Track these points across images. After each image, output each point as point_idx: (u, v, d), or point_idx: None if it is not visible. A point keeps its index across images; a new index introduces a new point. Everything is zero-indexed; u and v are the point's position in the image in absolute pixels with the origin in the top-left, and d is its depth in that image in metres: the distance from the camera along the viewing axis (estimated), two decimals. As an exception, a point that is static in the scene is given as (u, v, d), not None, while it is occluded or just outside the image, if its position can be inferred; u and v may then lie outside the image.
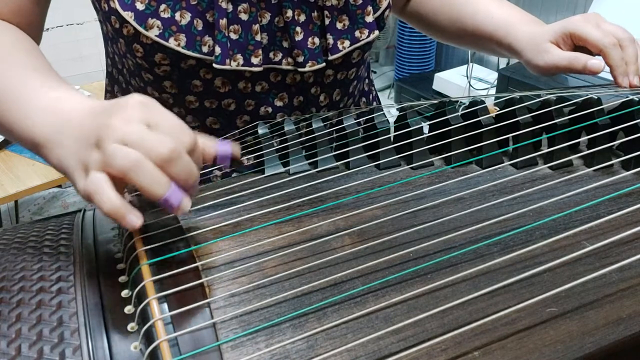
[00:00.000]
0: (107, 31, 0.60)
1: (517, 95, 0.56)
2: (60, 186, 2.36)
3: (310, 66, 0.59)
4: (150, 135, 0.37)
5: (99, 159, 0.37)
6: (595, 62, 0.61)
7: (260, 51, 0.58)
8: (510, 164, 0.51)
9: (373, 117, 0.54)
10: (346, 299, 0.36)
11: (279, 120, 0.55)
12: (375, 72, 3.20)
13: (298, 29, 0.58)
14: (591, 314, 0.36)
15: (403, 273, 0.38)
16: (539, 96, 0.56)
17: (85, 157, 0.39)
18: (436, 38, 0.80)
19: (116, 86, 0.67)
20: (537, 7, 2.46)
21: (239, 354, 0.33)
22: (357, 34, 0.60)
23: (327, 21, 0.59)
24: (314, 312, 0.35)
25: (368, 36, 0.61)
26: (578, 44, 0.63)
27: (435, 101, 0.56)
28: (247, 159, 0.46)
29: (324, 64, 0.60)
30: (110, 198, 0.36)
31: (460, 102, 0.57)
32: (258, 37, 0.57)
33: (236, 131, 0.65)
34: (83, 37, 2.18)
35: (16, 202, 2.15)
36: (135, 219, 0.37)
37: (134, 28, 0.54)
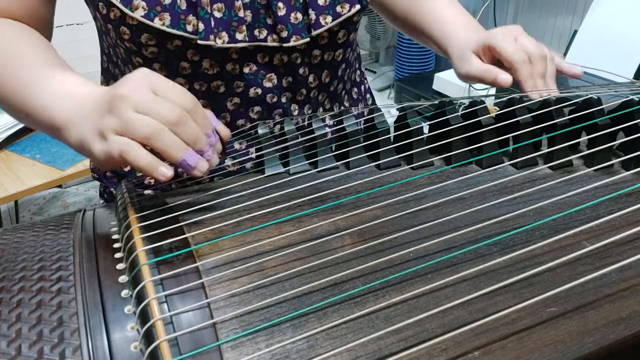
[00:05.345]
0: (100, 25, 0.62)
1: (517, 95, 0.56)
2: (60, 186, 2.36)
3: (294, 41, 0.60)
4: (157, 101, 0.42)
5: (116, 123, 0.42)
6: (504, 76, 0.63)
7: (244, 27, 0.59)
8: (511, 164, 0.51)
9: (373, 117, 0.54)
10: (346, 299, 0.36)
11: (279, 120, 0.54)
12: (375, 72, 3.20)
13: (280, 4, 0.59)
14: (591, 314, 0.36)
15: (403, 273, 0.38)
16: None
17: (100, 124, 0.44)
18: (397, 29, 0.82)
19: (111, 81, 0.68)
20: (537, 7, 2.46)
21: (239, 354, 0.33)
22: (338, 8, 0.61)
23: None
24: (314, 312, 0.35)
25: (349, 10, 0.62)
26: (495, 56, 0.65)
27: (435, 101, 0.56)
28: (233, 163, 0.47)
29: (308, 39, 0.61)
30: (142, 154, 0.42)
31: (460, 102, 0.57)
32: (241, 14, 0.58)
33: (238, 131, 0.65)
34: (83, 37, 2.18)
35: (16, 202, 2.15)
36: (166, 170, 0.42)
37: (120, 10, 0.55)
